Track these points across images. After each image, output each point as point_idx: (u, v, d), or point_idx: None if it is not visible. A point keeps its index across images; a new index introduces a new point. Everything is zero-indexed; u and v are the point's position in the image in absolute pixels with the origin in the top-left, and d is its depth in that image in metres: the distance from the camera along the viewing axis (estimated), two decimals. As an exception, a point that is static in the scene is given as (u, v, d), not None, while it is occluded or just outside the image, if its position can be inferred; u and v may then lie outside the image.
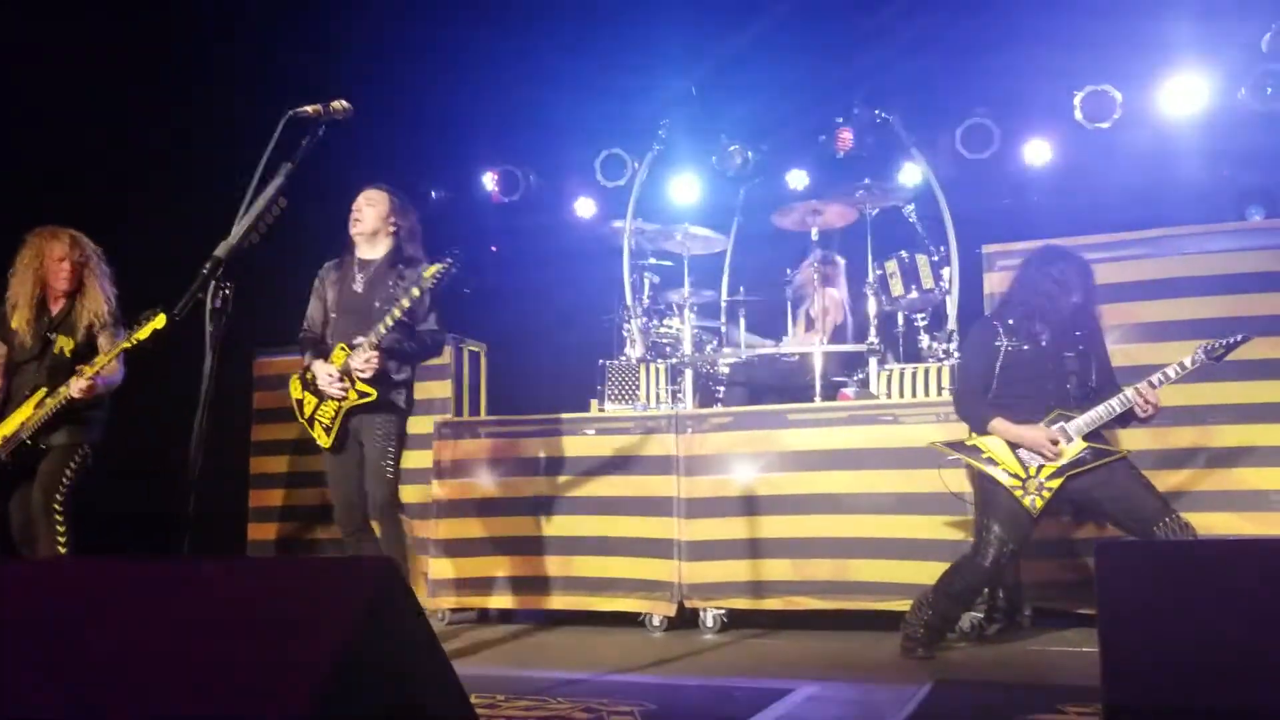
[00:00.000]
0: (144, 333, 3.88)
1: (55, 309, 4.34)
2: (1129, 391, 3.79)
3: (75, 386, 4.08)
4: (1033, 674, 3.75)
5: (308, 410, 4.20)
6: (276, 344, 6.16)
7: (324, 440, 4.15)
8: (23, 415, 4.18)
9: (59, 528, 4.14)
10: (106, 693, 1.72)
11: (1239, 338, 3.80)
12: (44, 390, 4.18)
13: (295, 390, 4.27)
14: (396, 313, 3.98)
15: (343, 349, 4.10)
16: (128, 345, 3.94)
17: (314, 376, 4.14)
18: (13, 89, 5.49)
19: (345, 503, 4.17)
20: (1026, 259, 4.20)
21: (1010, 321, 4.04)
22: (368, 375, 4.02)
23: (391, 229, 4.27)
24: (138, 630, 1.82)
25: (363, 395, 4.06)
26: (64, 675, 1.77)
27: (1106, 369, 4.03)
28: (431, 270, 4.00)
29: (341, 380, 4.06)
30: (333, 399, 4.10)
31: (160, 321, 3.90)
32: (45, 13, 5.59)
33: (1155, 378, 3.78)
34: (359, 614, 1.71)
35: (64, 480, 4.20)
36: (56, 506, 4.16)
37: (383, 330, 3.99)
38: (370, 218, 4.26)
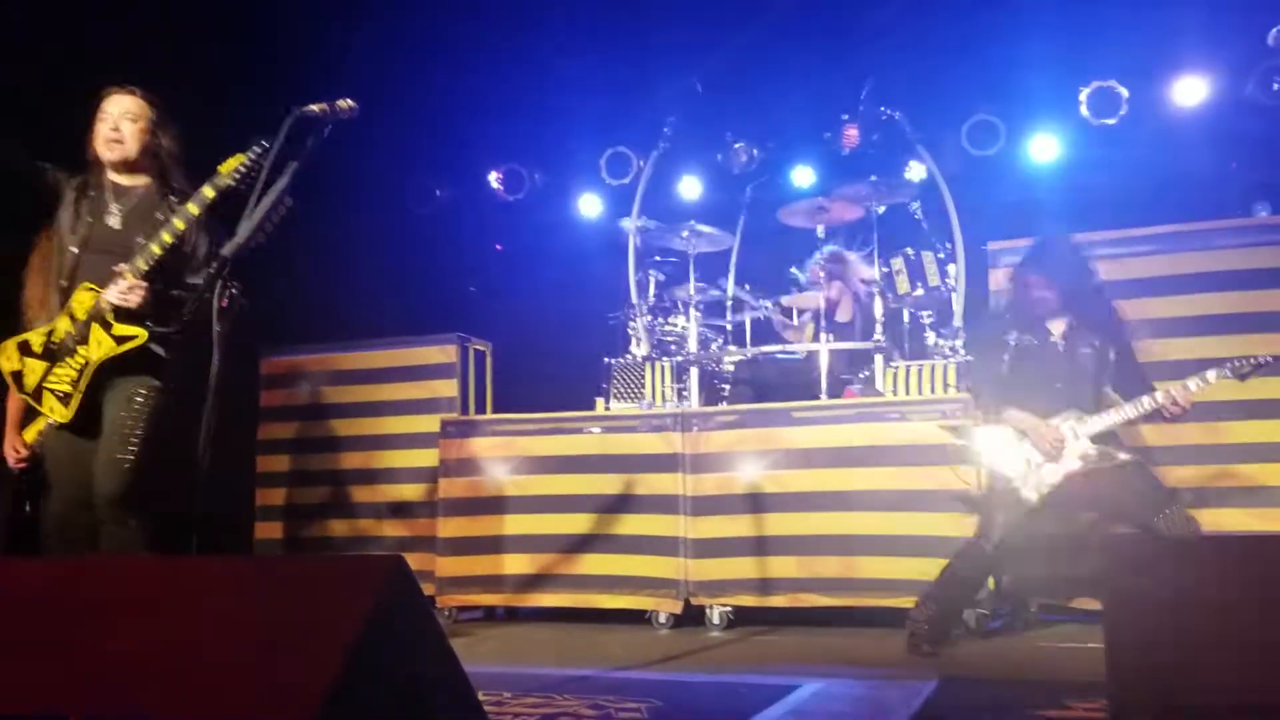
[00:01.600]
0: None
1: None
2: (1158, 395, 3.77)
3: None
4: (1038, 670, 3.75)
5: (31, 380, 3.38)
6: (284, 342, 6.19)
7: (60, 413, 3.34)
8: None
9: None
10: (113, 692, 1.73)
11: (1268, 358, 3.75)
12: None
13: (10, 360, 3.42)
14: (167, 238, 3.25)
15: (89, 289, 3.32)
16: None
17: (41, 338, 3.40)
18: (13, 86, 5.49)
19: (73, 500, 3.35)
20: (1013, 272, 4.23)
21: (1022, 323, 4.06)
22: (133, 305, 3.23)
23: (154, 150, 3.50)
24: (145, 629, 1.83)
25: (122, 341, 3.28)
26: (70, 673, 1.78)
27: (1131, 368, 4.01)
28: (232, 162, 3.16)
29: (86, 326, 3.31)
30: (68, 360, 3.33)
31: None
32: (46, 9, 5.59)
33: (1192, 383, 3.74)
34: (367, 613, 1.72)
35: None
36: None
37: (151, 257, 3.25)
38: (134, 137, 3.45)
